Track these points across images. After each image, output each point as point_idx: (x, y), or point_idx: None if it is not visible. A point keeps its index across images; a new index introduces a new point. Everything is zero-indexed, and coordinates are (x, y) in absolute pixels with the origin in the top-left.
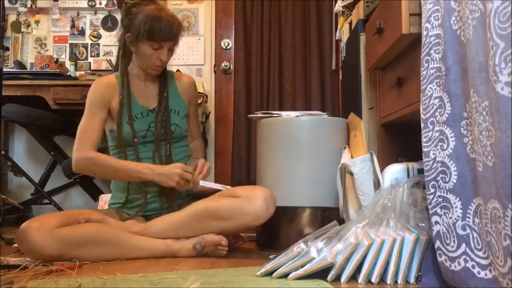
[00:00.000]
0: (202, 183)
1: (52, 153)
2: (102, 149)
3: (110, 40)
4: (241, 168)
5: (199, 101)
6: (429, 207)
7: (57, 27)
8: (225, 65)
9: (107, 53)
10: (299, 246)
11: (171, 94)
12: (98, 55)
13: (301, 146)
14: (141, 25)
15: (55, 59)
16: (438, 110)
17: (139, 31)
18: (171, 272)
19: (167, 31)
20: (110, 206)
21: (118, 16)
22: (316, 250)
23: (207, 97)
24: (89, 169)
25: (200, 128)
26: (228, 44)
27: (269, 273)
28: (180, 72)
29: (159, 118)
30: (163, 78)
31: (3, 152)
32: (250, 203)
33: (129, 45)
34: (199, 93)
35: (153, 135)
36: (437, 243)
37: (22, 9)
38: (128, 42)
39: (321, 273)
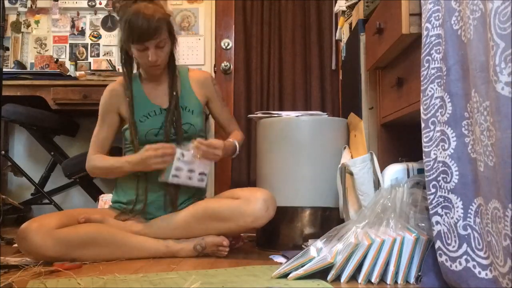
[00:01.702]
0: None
1: (52, 153)
2: (118, 148)
3: (110, 40)
4: (241, 168)
5: None
6: (430, 207)
7: (57, 27)
8: (225, 65)
9: (107, 53)
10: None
11: (184, 93)
12: (98, 55)
13: (301, 146)
14: (123, 29)
15: (55, 59)
16: (439, 110)
17: (123, 35)
18: (171, 272)
19: (144, 31)
20: (112, 204)
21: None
22: (316, 250)
23: None
24: (97, 173)
25: (234, 119)
26: (228, 44)
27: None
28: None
29: (169, 117)
30: (173, 76)
31: (3, 152)
32: (250, 204)
33: (126, 48)
34: None
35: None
36: (438, 243)
37: (22, 9)
38: (122, 45)
39: (321, 273)
